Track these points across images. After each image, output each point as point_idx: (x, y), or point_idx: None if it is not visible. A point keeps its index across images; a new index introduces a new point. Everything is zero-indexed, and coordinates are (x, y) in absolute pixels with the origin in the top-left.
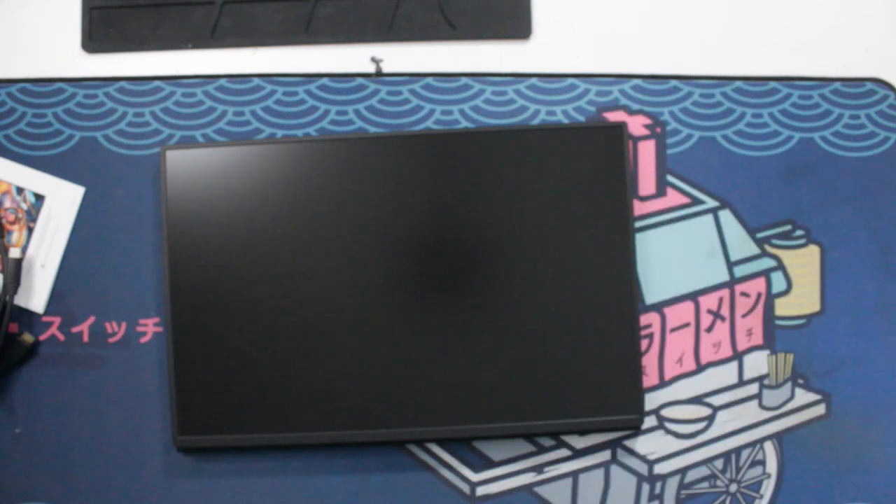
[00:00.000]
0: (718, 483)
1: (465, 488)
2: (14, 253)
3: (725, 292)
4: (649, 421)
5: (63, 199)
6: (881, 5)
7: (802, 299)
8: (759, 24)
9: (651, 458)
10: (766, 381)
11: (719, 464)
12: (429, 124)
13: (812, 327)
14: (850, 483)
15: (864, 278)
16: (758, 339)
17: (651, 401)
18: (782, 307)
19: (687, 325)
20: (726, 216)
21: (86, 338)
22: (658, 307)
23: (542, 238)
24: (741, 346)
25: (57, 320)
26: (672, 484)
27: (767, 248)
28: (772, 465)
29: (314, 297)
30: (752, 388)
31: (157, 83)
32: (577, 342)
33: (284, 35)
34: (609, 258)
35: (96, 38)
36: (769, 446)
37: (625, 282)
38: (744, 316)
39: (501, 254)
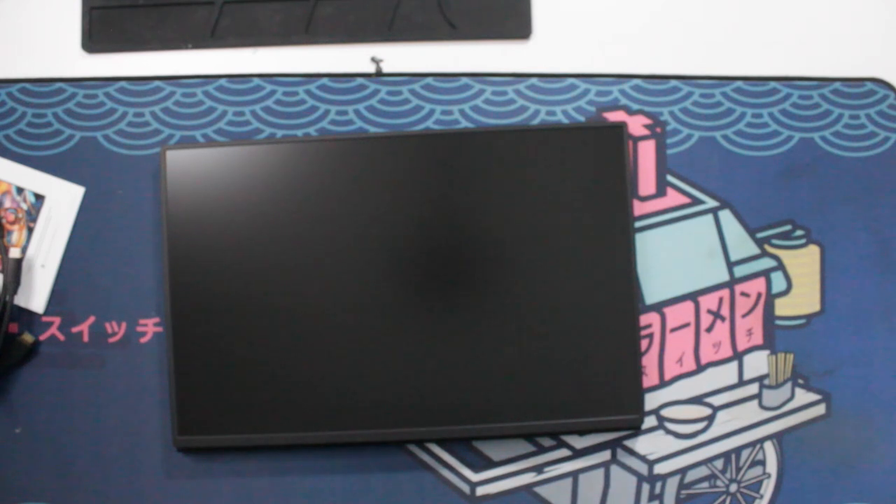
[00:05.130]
0: (718, 483)
1: (465, 488)
2: (14, 253)
3: (725, 292)
4: (649, 421)
5: (63, 199)
6: (881, 5)
7: (802, 299)
8: (759, 24)
9: (651, 458)
10: (766, 381)
11: (719, 464)
12: (429, 124)
13: (812, 327)
14: (850, 483)
15: (864, 278)
16: (758, 339)
17: (651, 401)
18: (782, 307)
19: (687, 325)
20: (726, 216)
21: (86, 338)
22: (658, 307)
23: (543, 238)
24: (741, 346)
25: (57, 320)
26: (672, 484)
27: (767, 248)
28: (772, 465)
29: (314, 297)
30: (752, 388)
31: (157, 83)
32: (577, 342)
33: (284, 35)
34: (609, 258)
35: (96, 38)
36: (769, 446)
37: (625, 282)
38: (744, 316)
39: (501, 254)
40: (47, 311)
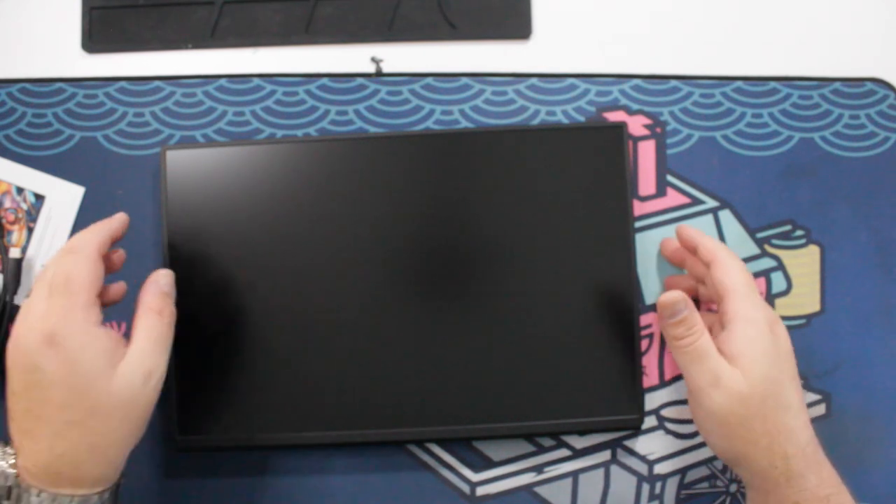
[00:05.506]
0: (718, 483)
1: (466, 488)
2: (14, 253)
3: None
4: (649, 421)
5: (63, 199)
6: (881, 5)
7: (802, 299)
8: (759, 24)
9: (651, 458)
10: None
11: (719, 464)
12: (429, 124)
13: (812, 327)
14: (850, 483)
15: (864, 278)
16: None
17: (651, 401)
18: (782, 307)
19: None
20: (726, 216)
21: None
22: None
23: (542, 238)
24: None
25: None
26: (672, 484)
27: (767, 248)
28: None
29: (314, 298)
30: None
31: (157, 83)
32: (577, 342)
33: (284, 35)
34: (609, 258)
35: (96, 38)
36: None
37: (625, 282)
38: None
39: (501, 254)
40: None
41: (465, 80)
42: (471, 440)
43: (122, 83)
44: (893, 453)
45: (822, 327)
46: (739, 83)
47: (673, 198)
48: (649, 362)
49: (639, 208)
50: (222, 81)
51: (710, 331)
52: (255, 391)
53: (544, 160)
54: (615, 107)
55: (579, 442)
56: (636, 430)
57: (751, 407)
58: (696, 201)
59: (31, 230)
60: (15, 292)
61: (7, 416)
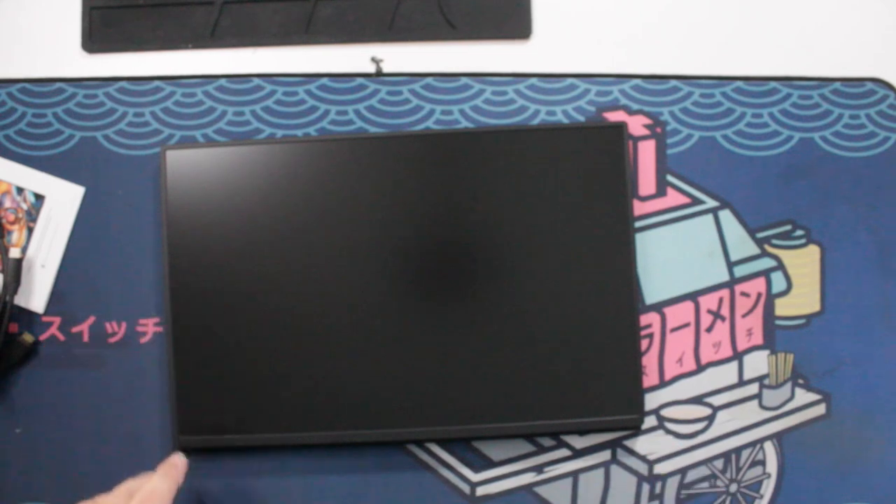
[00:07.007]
0: (718, 483)
1: (465, 488)
2: (14, 253)
3: (725, 292)
4: (649, 421)
5: (63, 199)
6: (881, 5)
7: (802, 299)
8: (759, 24)
9: (651, 458)
10: (766, 381)
11: (719, 464)
12: (429, 124)
13: (812, 327)
14: (850, 483)
15: (864, 278)
16: (758, 339)
17: (651, 401)
18: (782, 307)
19: (687, 325)
20: (726, 216)
21: (86, 338)
22: (658, 307)
23: (542, 238)
24: (741, 346)
25: (57, 320)
26: (672, 484)
27: (767, 248)
28: (772, 465)
29: (314, 297)
30: (752, 388)
31: (157, 83)
32: (577, 342)
33: (284, 35)
34: (609, 258)
35: (96, 38)
36: (769, 446)
37: (625, 282)
38: (744, 316)
39: (501, 253)
40: (47, 311)
41: (464, 80)
42: (471, 440)
43: (122, 83)
44: (893, 453)
45: (822, 327)
46: (739, 83)
47: (673, 198)
48: (649, 362)
49: (639, 208)
50: (222, 81)
51: None
52: (255, 392)
53: (544, 160)
54: (615, 107)
55: (579, 442)
56: (636, 430)
57: None
58: (696, 201)
59: (31, 230)
60: (15, 292)
61: None
